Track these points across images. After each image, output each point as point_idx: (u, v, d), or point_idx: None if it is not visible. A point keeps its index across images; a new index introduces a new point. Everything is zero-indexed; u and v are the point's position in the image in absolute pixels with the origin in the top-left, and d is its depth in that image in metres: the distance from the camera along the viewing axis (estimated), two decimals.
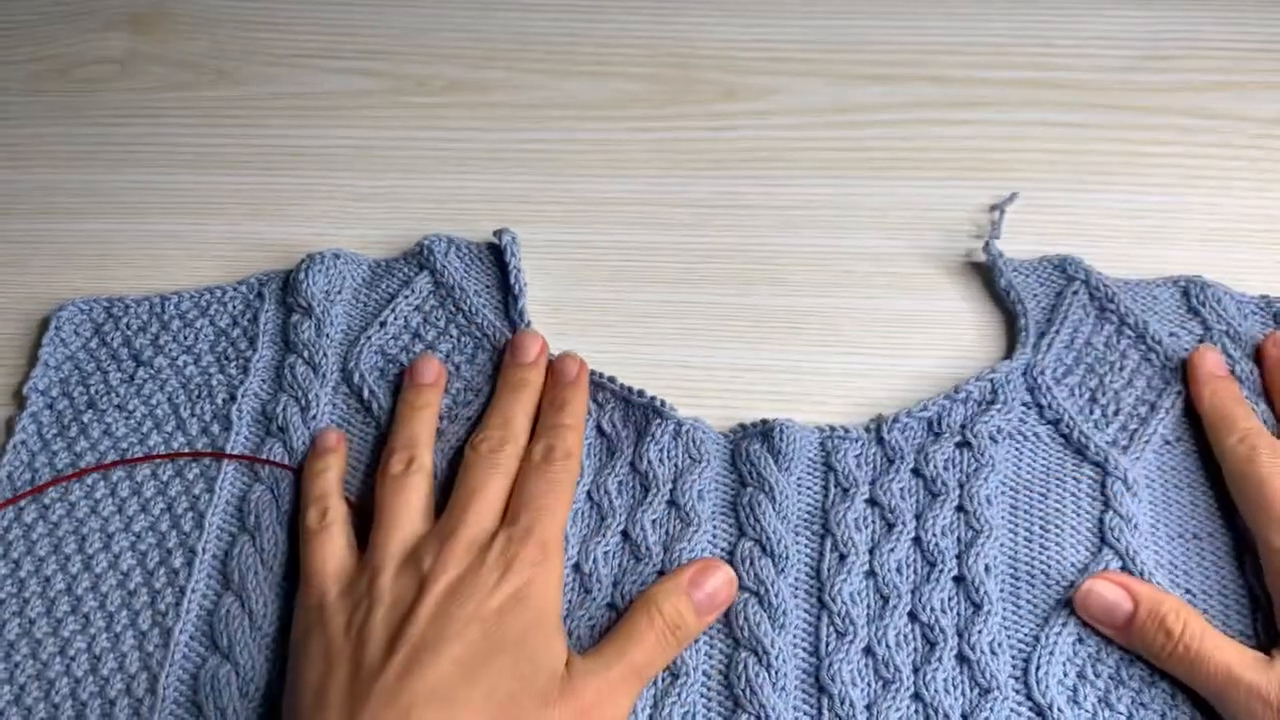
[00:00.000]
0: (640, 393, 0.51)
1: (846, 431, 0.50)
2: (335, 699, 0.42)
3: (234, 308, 0.56)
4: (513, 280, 0.55)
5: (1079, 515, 0.48)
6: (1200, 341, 0.53)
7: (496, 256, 0.57)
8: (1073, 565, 0.47)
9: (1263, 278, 0.56)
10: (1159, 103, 0.63)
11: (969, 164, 0.61)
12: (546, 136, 0.63)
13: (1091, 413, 0.51)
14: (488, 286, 0.56)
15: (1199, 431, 0.51)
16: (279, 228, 0.60)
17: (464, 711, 0.41)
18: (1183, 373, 0.52)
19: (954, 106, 0.63)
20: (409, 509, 0.47)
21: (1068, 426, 0.51)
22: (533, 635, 0.43)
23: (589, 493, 0.50)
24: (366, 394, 0.53)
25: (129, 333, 0.55)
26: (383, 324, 0.55)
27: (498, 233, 0.57)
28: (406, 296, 0.55)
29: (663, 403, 0.51)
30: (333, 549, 0.47)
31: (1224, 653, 0.43)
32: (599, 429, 0.51)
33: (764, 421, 0.50)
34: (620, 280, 0.58)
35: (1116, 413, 0.51)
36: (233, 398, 0.53)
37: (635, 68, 0.65)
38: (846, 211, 0.60)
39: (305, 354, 0.54)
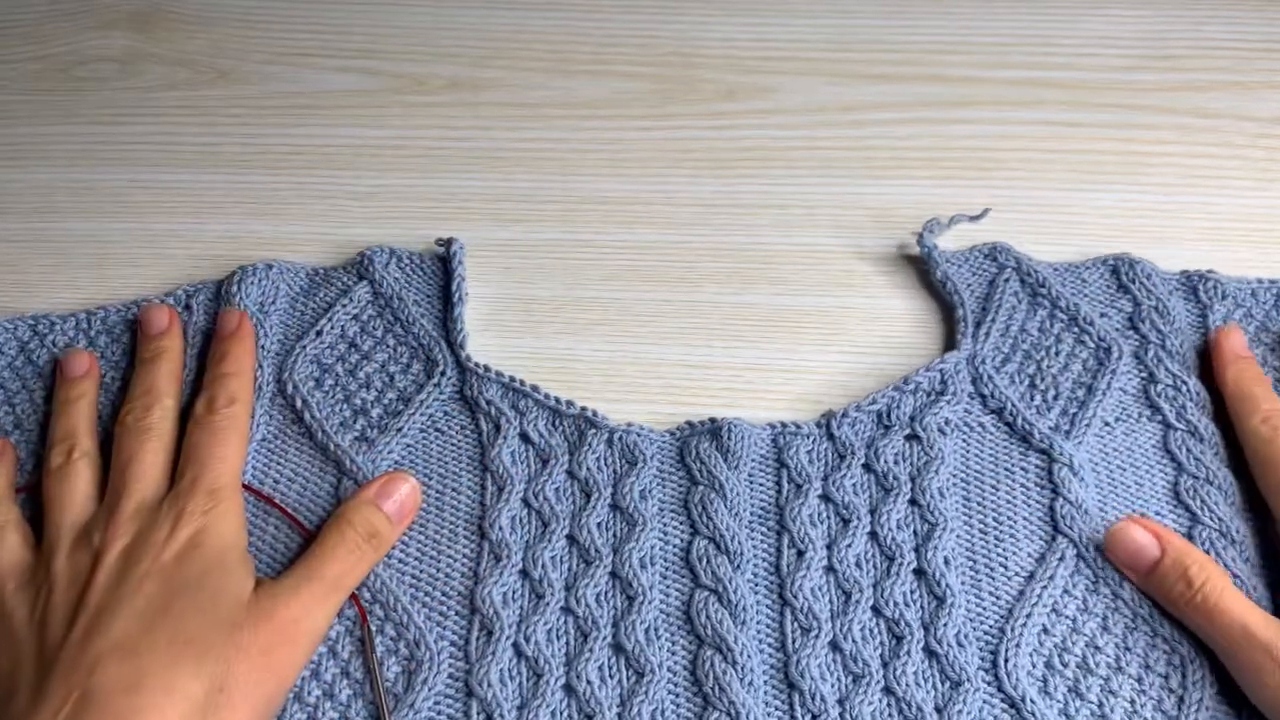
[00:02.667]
0: (569, 404, 0.51)
1: (798, 428, 0.51)
2: (23, 682, 0.42)
3: None
4: (454, 289, 0.55)
5: (1029, 505, 0.49)
6: (1130, 318, 0.54)
7: (440, 267, 0.56)
8: (1029, 555, 0.48)
9: (1263, 276, 0.56)
10: (1159, 102, 0.63)
11: (969, 163, 0.61)
12: (546, 135, 0.63)
13: (1032, 399, 0.52)
14: (428, 297, 0.55)
15: (1137, 412, 0.51)
16: (278, 226, 0.60)
17: (148, 658, 0.41)
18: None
19: (954, 106, 0.63)
20: (74, 494, 0.47)
21: (1011, 415, 0.51)
22: (212, 574, 0.44)
23: (525, 499, 0.49)
24: (299, 404, 0.52)
25: (55, 350, 0.54)
26: (319, 333, 0.54)
27: (444, 241, 0.57)
28: (344, 306, 0.55)
29: (594, 413, 0.51)
30: (5, 552, 0.46)
31: (1241, 609, 0.44)
32: (524, 436, 0.51)
33: (712, 420, 0.50)
34: (619, 279, 0.58)
35: (1056, 397, 0.52)
36: None
37: (635, 67, 0.65)
38: (847, 211, 0.60)
39: None
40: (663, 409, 0.53)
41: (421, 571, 0.48)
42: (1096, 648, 0.46)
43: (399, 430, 0.51)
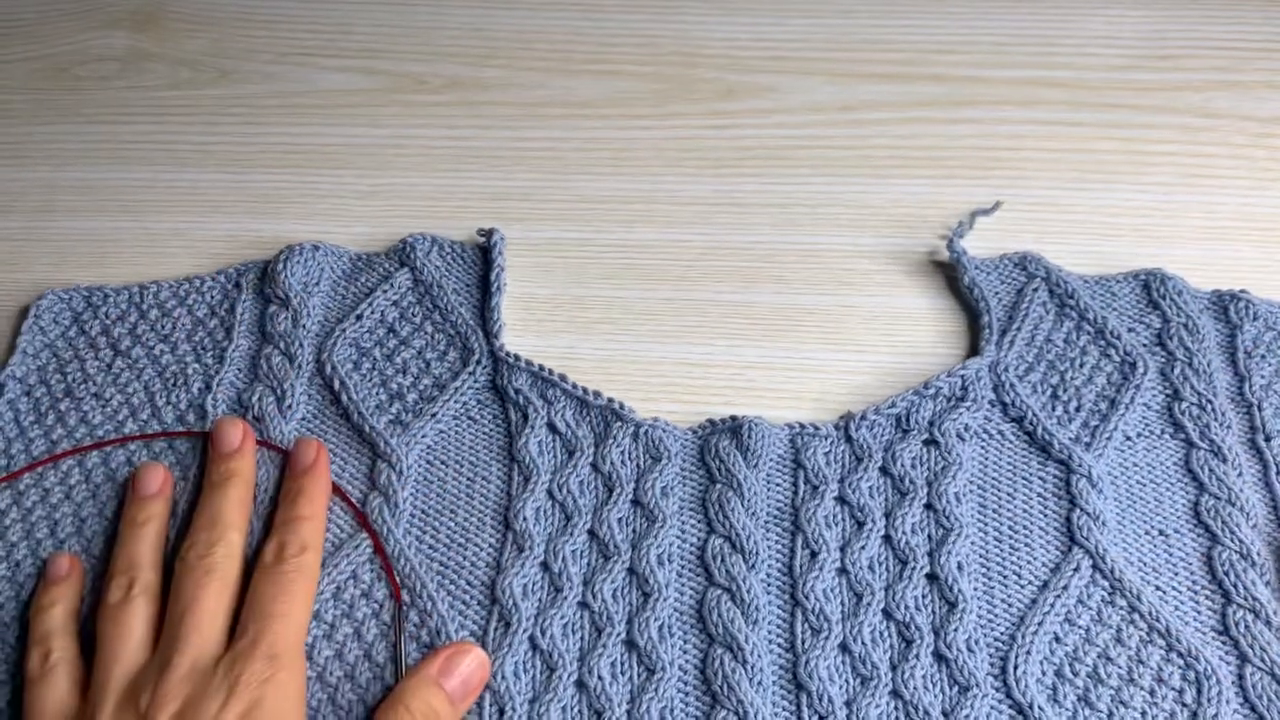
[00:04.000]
0: (597, 395, 0.51)
1: (817, 429, 0.51)
2: None
3: (211, 298, 0.56)
4: (493, 278, 0.55)
5: (1046, 514, 0.49)
6: (1158, 335, 0.54)
7: (480, 257, 0.57)
8: (1044, 565, 0.48)
9: (1263, 276, 0.57)
10: (1160, 102, 0.63)
11: (970, 163, 0.61)
12: (547, 134, 0.63)
13: (1054, 410, 0.52)
14: (467, 286, 0.56)
15: (1160, 428, 0.51)
16: (279, 225, 0.60)
17: None
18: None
19: (955, 105, 0.63)
20: (129, 639, 0.44)
21: (1031, 424, 0.51)
22: None
23: (550, 491, 0.50)
24: (337, 385, 0.53)
25: (108, 322, 0.55)
26: (359, 317, 0.55)
27: (485, 231, 0.57)
28: (385, 291, 0.55)
29: (621, 405, 0.51)
30: (53, 695, 0.43)
31: None
32: (551, 426, 0.51)
33: (733, 418, 0.50)
34: (620, 277, 0.58)
35: (1078, 409, 0.52)
36: (208, 387, 0.53)
37: (636, 66, 0.65)
38: (848, 210, 0.60)
39: (281, 345, 0.54)
40: (664, 407, 0.53)
41: (449, 559, 0.48)
42: (1109, 659, 0.46)
43: (433, 416, 0.52)
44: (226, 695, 0.41)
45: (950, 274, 0.57)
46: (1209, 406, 0.51)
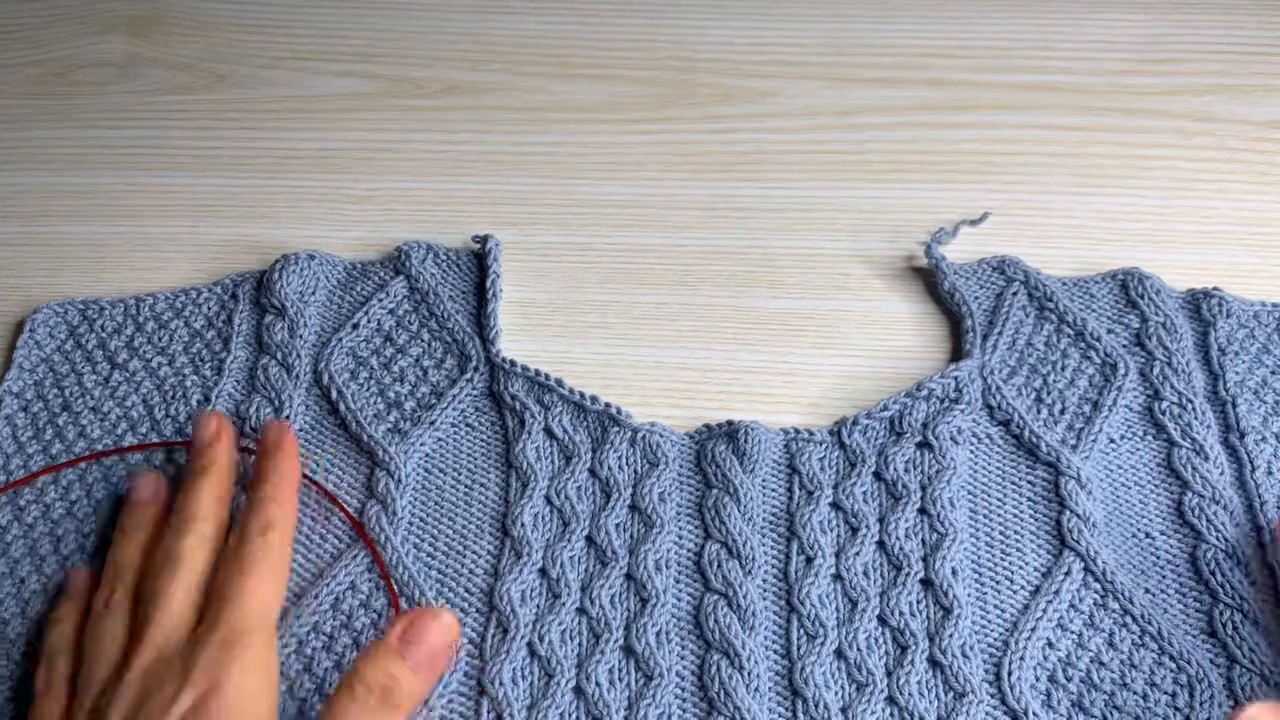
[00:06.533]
0: (594, 399, 0.51)
1: (811, 434, 0.51)
2: None
3: (208, 309, 0.56)
4: (489, 285, 0.55)
5: (1037, 519, 0.49)
6: (1137, 335, 0.54)
7: (476, 263, 0.57)
8: (1035, 569, 0.48)
9: (1259, 281, 0.57)
10: (1157, 106, 0.63)
11: (967, 167, 0.61)
12: (544, 139, 0.63)
13: (1039, 413, 0.52)
14: (463, 293, 0.56)
15: (1142, 429, 0.51)
16: (276, 230, 0.60)
17: None
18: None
19: (953, 110, 0.64)
20: (107, 641, 0.43)
21: (1018, 427, 0.51)
22: None
23: (548, 497, 0.50)
24: (334, 395, 0.52)
25: (104, 335, 0.55)
26: (355, 326, 0.55)
27: (480, 238, 0.57)
28: (380, 300, 0.55)
29: (618, 410, 0.51)
30: (53, 710, 0.43)
31: None
32: (548, 431, 0.51)
33: (729, 423, 0.50)
34: (617, 282, 0.58)
35: (1063, 412, 0.52)
36: (207, 399, 0.53)
37: (633, 70, 0.65)
38: (844, 214, 0.60)
39: (278, 355, 0.54)
40: (661, 412, 0.53)
41: (448, 567, 0.48)
42: (1102, 663, 0.46)
43: (431, 424, 0.52)
44: (179, 684, 0.40)
45: None
46: (1189, 405, 0.51)
